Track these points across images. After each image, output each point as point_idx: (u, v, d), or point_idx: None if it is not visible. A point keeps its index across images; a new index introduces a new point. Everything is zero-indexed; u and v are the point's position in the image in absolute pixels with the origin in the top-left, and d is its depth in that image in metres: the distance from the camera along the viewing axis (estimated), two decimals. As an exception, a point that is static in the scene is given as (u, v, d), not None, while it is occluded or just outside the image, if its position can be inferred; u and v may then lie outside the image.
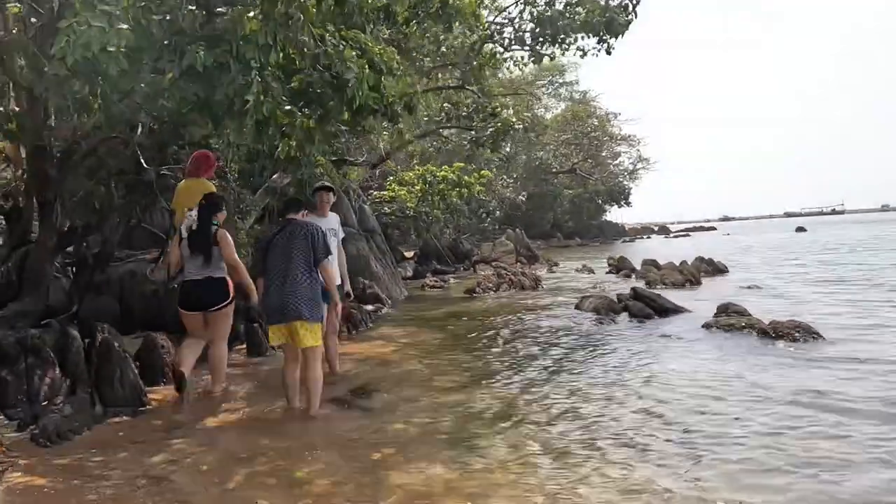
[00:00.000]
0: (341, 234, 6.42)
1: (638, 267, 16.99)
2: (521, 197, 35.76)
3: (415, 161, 20.93)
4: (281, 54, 4.97)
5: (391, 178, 19.87)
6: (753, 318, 8.06)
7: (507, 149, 42.96)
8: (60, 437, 4.39)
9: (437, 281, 15.33)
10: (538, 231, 42.17)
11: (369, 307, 11.40)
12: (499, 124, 11.32)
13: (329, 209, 6.28)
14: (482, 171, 21.22)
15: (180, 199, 6.33)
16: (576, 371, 6.24)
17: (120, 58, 4.34)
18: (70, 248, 8.49)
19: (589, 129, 45.10)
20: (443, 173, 18.86)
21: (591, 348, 7.38)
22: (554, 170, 44.40)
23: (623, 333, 8.22)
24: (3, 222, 8.53)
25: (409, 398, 5.35)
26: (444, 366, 6.73)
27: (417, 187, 19.41)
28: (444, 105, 12.85)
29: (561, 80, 47.36)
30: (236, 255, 5.64)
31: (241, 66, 4.79)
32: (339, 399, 5.35)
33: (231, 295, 5.65)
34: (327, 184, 6.19)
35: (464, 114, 12.32)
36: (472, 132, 11.97)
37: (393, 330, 9.30)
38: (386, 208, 20.08)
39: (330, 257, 5.79)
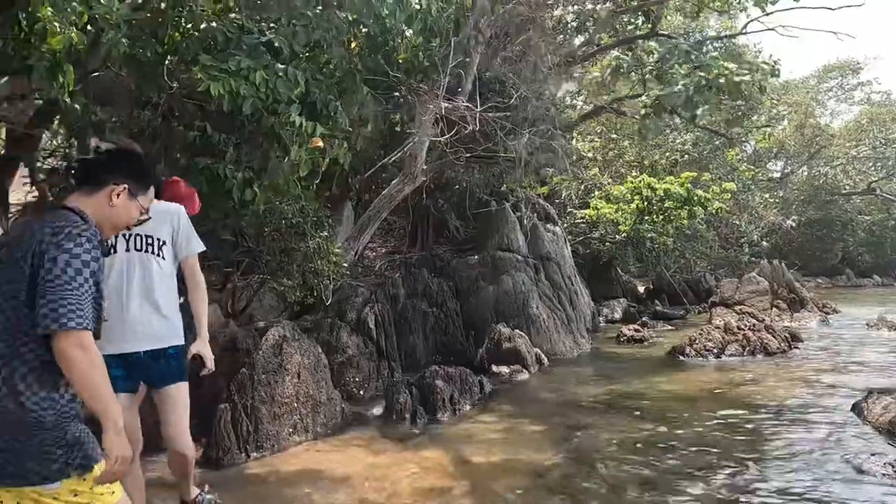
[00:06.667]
0: (185, 248, 2.99)
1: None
2: (789, 222, 28.26)
3: (633, 173, 16.50)
4: None
5: (596, 192, 15.71)
6: None
7: (779, 164, 35.35)
8: None
9: (637, 330, 10.87)
10: (820, 266, 33.31)
11: (503, 369, 7.77)
12: (704, 80, 6.73)
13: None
14: (725, 185, 15.93)
15: None
16: None
17: None
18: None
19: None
20: (664, 186, 14.22)
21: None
22: (844, 190, 35.17)
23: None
24: None
25: None
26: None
27: (633, 205, 15.02)
28: (621, 56, 8.57)
29: (856, 81, 37.76)
30: None
31: None
32: None
33: None
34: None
35: (649, 69, 7.94)
36: (655, 91, 7.52)
37: (492, 425, 5.50)
38: (599, 232, 16.00)
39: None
